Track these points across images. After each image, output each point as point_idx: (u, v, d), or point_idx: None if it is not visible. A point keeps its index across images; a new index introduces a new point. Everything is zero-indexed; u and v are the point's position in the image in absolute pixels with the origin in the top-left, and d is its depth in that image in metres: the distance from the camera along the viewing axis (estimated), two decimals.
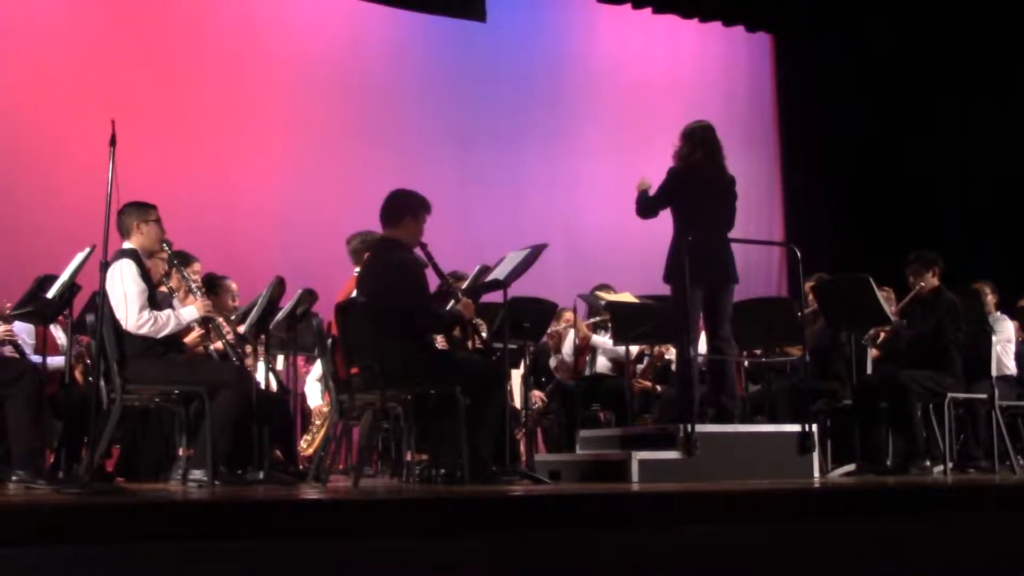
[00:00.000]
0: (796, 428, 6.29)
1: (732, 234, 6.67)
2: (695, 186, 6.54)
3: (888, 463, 7.02)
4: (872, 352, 7.59)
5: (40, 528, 3.22)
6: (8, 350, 6.39)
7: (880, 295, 6.97)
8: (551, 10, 12.06)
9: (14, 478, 5.30)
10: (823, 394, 7.26)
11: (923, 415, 6.96)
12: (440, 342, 6.60)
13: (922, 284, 7.20)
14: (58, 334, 7.36)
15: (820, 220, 11.96)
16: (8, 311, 6.43)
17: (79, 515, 3.39)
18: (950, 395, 6.87)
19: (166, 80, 9.89)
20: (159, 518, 3.45)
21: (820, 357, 7.39)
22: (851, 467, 6.81)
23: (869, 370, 7.53)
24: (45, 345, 6.88)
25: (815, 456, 6.25)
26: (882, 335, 7.43)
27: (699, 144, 6.59)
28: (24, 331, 6.93)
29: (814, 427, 6.32)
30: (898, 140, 11.88)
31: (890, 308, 7.16)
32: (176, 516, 3.50)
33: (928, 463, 6.82)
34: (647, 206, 6.66)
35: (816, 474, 6.24)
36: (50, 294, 6.37)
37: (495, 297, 6.45)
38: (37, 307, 6.50)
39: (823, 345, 7.44)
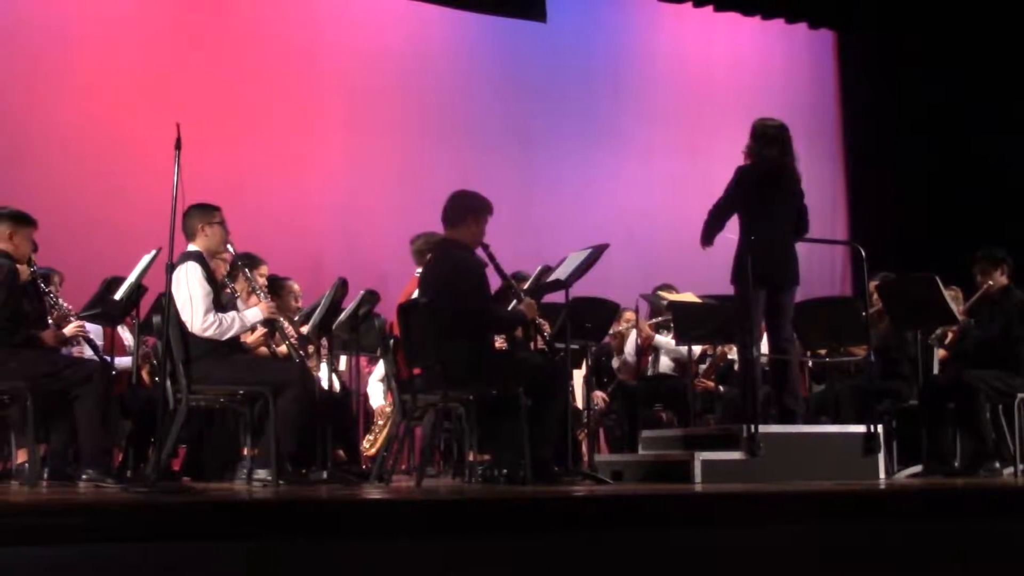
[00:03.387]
0: (861, 429, 6.23)
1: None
2: (765, 185, 6.49)
3: (956, 464, 6.92)
4: (939, 352, 7.48)
5: (108, 526, 3.26)
6: (77, 350, 6.49)
7: (947, 294, 6.88)
8: (611, 10, 12.01)
9: (83, 477, 5.39)
10: (889, 394, 7.17)
11: (992, 416, 6.85)
12: (500, 342, 6.60)
13: (990, 283, 7.08)
14: (125, 335, 7.47)
15: (885, 219, 11.80)
16: (76, 313, 6.53)
17: (146, 514, 3.43)
18: (1020, 395, 6.75)
19: (230, 82, 10.00)
20: (224, 517, 3.48)
21: (885, 357, 7.30)
22: (917, 468, 6.73)
23: (936, 370, 7.43)
24: (113, 346, 6.98)
25: (881, 457, 6.18)
26: (949, 335, 7.32)
27: (773, 142, 6.54)
28: (93, 332, 7.04)
29: (879, 428, 6.26)
30: (964, 137, 11.68)
31: (957, 308, 7.06)
32: (241, 515, 3.53)
33: (997, 465, 6.71)
34: (714, 216, 6.58)
35: (882, 475, 6.18)
36: (117, 296, 6.46)
37: (557, 297, 6.44)
38: (105, 308, 6.59)
39: (888, 345, 7.35)
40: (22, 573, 3.05)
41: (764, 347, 6.92)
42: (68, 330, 6.24)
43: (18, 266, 5.78)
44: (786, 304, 6.56)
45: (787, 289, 6.56)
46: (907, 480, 6.44)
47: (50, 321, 6.13)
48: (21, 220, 5.83)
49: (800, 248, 6.67)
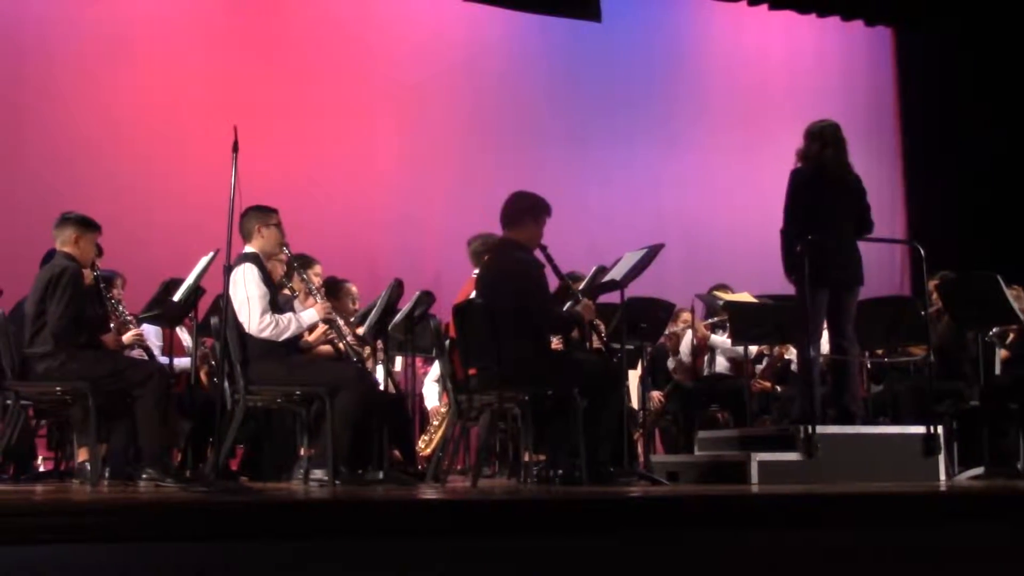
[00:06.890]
0: (921, 430, 6.15)
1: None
2: (823, 186, 6.42)
3: (1018, 466, 6.82)
4: (1001, 352, 7.38)
5: (168, 525, 3.30)
6: (137, 352, 6.56)
7: (1009, 293, 6.78)
8: (666, 8, 11.99)
9: (144, 476, 5.45)
10: (949, 395, 7.08)
11: None
12: (556, 343, 6.59)
13: None
14: (184, 336, 7.54)
15: (944, 217, 11.65)
16: (136, 316, 6.61)
17: (205, 512, 3.46)
18: None
19: (287, 84, 10.10)
20: (281, 516, 3.51)
21: (945, 357, 7.21)
22: (979, 470, 6.64)
23: (997, 370, 7.33)
24: (172, 347, 7.05)
25: (941, 459, 6.11)
26: (1011, 334, 7.21)
27: (828, 143, 6.47)
28: (152, 333, 7.13)
29: (940, 429, 6.18)
30: None
31: (1019, 307, 6.95)
32: (298, 514, 3.56)
33: None
34: (786, 232, 6.51)
35: (942, 477, 6.10)
36: (176, 297, 6.54)
37: (612, 298, 6.42)
38: (164, 310, 6.67)
39: (948, 345, 7.26)
40: (84, 571, 3.09)
41: (823, 347, 6.86)
42: (126, 337, 6.35)
43: (83, 270, 5.87)
44: (849, 305, 6.49)
45: (851, 289, 6.48)
46: (968, 482, 6.34)
47: (111, 326, 6.22)
48: (86, 225, 5.91)
49: (859, 247, 6.60)
